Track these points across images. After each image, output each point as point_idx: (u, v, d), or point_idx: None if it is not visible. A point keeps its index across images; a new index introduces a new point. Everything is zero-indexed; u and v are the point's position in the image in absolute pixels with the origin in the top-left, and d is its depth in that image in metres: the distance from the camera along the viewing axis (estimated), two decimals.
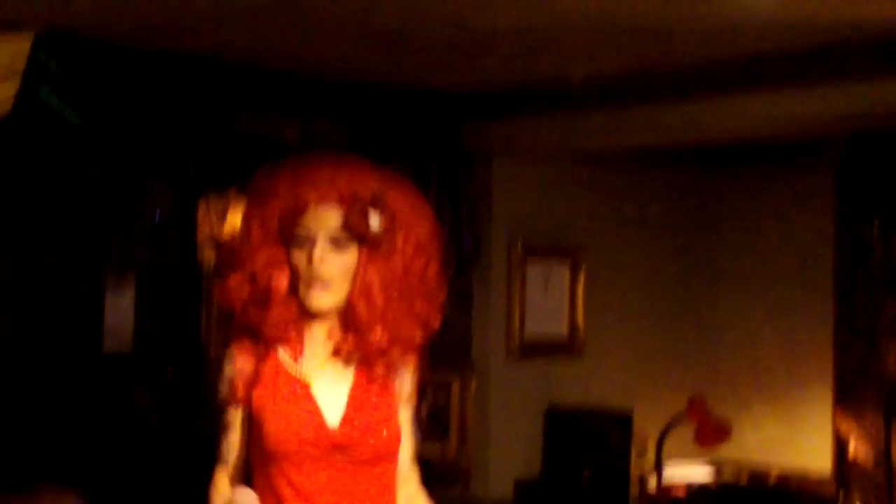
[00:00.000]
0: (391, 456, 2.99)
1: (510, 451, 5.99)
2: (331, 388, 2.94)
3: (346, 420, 2.91)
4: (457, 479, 6.03)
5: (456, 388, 5.97)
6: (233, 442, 2.95)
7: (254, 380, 2.93)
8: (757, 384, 6.73)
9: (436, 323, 3.03)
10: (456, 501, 5.91)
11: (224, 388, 2.94)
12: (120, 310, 5.61)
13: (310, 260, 2.92)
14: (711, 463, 6.51)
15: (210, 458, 3.05)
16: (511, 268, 6.04)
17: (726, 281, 6.89)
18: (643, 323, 6.63)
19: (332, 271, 2.92)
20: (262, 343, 2.94)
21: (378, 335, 2.93)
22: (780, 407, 6.61)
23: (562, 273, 6.19)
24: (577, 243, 6.28)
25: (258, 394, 2.92)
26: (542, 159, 6.13)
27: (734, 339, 6.86)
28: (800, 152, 6.34)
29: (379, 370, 2.96)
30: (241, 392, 2.92)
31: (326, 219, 2.92)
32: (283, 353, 2.95)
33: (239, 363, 2.94)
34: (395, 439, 2.99)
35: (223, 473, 2.96)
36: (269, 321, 2.93)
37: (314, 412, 2.90)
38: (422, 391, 3.13)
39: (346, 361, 2.96)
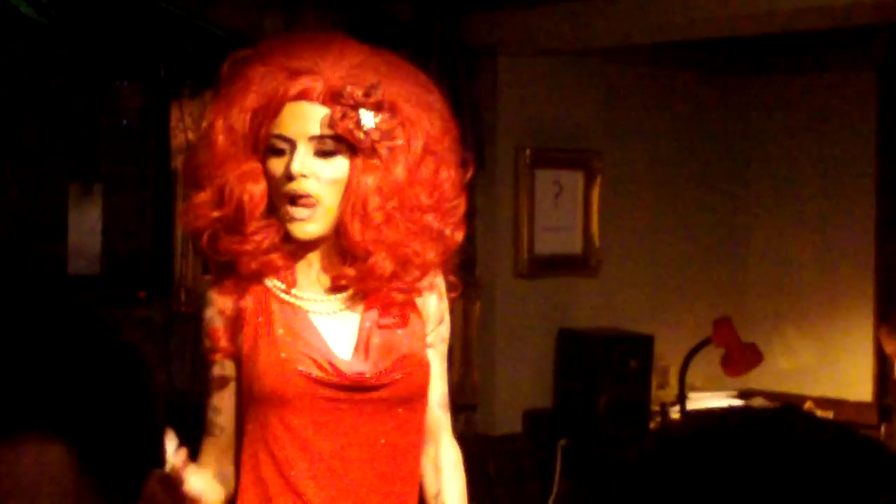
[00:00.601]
0: (416, 396, 2.65)
1: (519, 379, 5.82)
2: (337, 318, 2.60)
3: (359, 351, 2.59)
4: (460, 411, 5.66)
5: (458, 311, 5.75)
6: (222, 406, 2.54)
7: (239, 322, 2.52)
8: (790, 306, 6.56)
9: (457, 237, 2.64)
10: (460, 436, 5.64)
11: (205, 340, 2.52)
12: (86, 227, 5.41)
13: (288, 172, 2.51)
14: (740, 393, 6.38)
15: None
16: (518, 177, 5.85)
17: (757, 192, 6.72)
18: (665, 238, 6.48)
19: (317, 186, 2.53)
20: (243, 278, 2.51)
21: (381, 262, 2.53)
22: (816, 331, 6.46)
23: (575, 183, 6.02)
24: (592, 149, 6.07)
25: (247, 334, 2.51)
26: (553, 55, 5.90)
27: (765, 256, 6.71)
28: (839, 48, 6.18)
29: (396, 297, 2.58)
30: (224, 341, 2.52)
31: (308, 118, 2.55)
32: (271, 283, 2.55)
33: (219, 305, 2.52)
34: (421, 376, 2.62)
35: (210, 449, 2.54)
36: (246, 250, 2.52)
37: (319, 344, 2.55)
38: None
39: (353, 293, 2.58)
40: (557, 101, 5.95)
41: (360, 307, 2.62)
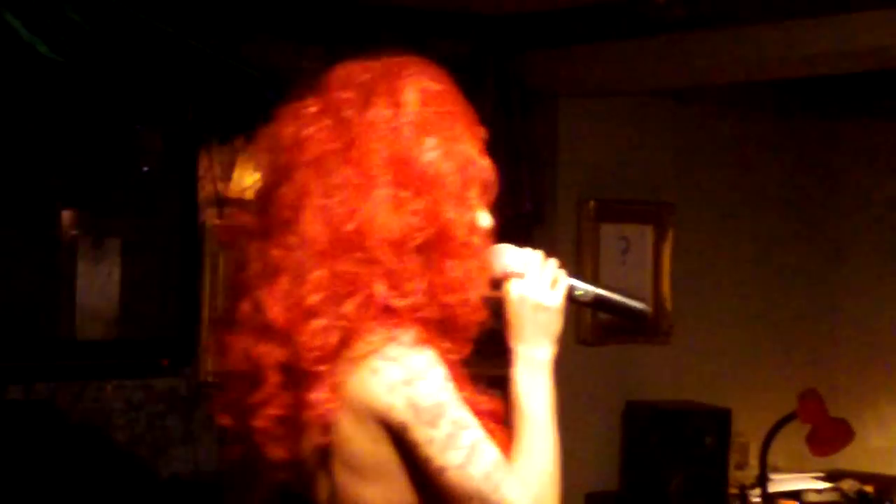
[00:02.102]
0: None
1: (581, 457, 5.59)
2: None
3: None
4: None
5: None
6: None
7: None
8: (884, 378, 6.46)
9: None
10: None
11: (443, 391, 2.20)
12: (97, 287, 5.25)
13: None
14: (828, 475, 6.20)
15: None
16: (581, 231, 5.85)
17: (846, 251, 6.63)
18: (744, 301, 6.36)
19: None
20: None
21: None
22: None
23: (644, 238, 6.02)
24: (663, 201, 6.06)
25: None
26: (619, 96, 5.88)
27: (856, 324, 6.60)
28: None
29: None
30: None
31: None
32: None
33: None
34: None
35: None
36: None
37: None
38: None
39: None
40: (624, 147, 5.94)
41: None
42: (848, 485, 6.10)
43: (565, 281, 2.39)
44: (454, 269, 2.22)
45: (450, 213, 2.22)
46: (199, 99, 5.16)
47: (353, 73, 2.30)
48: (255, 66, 5.05)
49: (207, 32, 5.08)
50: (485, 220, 2.32)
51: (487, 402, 2.25)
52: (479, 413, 2.19)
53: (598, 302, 2.46)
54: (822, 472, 6.16)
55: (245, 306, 2.19)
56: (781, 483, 5.93)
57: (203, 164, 5.29)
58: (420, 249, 2.19)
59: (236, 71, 5.05)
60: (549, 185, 5.64)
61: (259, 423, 2.17)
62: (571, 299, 2.42)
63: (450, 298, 2.21)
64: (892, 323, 6.46)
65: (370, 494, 2.17)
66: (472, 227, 2.27)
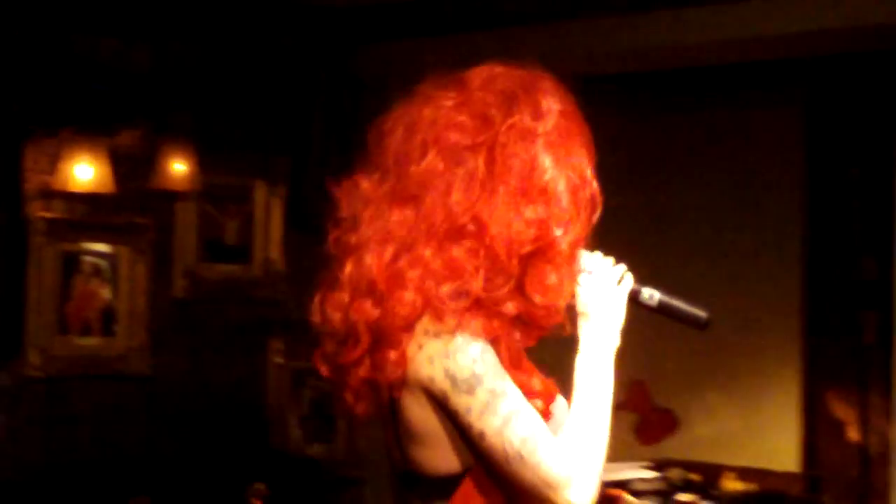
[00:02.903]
0: None
1: None
2: None
3: None
4: (346, 486, 5.75)
5: None
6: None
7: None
8: (711, 369, 6.52)
9: None
10: None
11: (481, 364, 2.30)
12: None
13: None
14: (655, 463, 6.18)
15: None
16: None
17: (674, 241, 6.60)
18: None
19: None
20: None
21: None
22: (740, 396, 6.38)
23: None
24: None
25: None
26: None
27: None
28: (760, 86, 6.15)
29: None
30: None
31: None
32: None
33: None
34: None
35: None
36: None
37: None
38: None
39: None
40: None
41: None
42: (674, 473, 6.12)
43: (630, 281, 2.49)
44: (550, 277, 2.33)
45: (560, 229, 2.33)
46: (24, 91, 5.13)
47: (496, 77, 2.41)
48: (87, 59, 5.16)
49: (35, 25, 5.09)
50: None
51: (541, 383, 2.35)
52: (529, 394, 2.28)
53: (662, 307, 2.54)
54: (649, 460, 6.16)
55: (350, 266, 2.30)
56: (608, 472, 5.66)
57: (28, 156, 5.25)
58: (525, 256, 2.30)
59: (64, 64, 5.11)
60: None
61: (350, 381, 2.31)
62: (637, 303, 2.51)
63: (539, 301, 2.31)
64: (718, 315, 6.39)
65: (423, 457, 2.29)
66: (574, 245, 2.37)
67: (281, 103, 5.66)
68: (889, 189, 4.86)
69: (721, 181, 6.46)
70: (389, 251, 2.29)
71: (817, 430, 5.98)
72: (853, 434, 5.75)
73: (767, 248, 6.31)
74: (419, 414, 2.30)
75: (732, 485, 5.95)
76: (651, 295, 2.51)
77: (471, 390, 2.23)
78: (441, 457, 2.29)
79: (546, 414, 2.33)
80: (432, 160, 2.33)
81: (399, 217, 2.31)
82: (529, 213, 2.31)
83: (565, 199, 2.36)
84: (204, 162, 5.40)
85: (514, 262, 2.29)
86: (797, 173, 6.14)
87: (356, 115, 5.53)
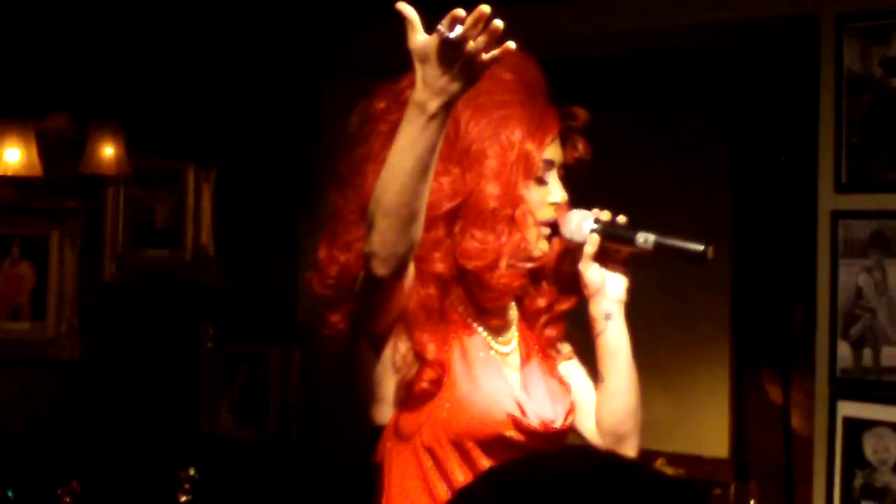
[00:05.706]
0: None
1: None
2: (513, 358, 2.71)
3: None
4: (277, 469, 5.69)
5: (275, 361, 5.78)
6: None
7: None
8: (640, 355, 6.14)
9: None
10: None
11: None
12: None
13: (553, 200, 2.76)
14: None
15: None
16: None
17: None
18: None
19: None
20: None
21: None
22: (669, 382, 6.22)
23: None
24: None
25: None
26: (383, 78, 5.69)
27: None
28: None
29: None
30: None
31: (557, 145, 2.71)
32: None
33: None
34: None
35: None
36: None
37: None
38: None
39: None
40: None
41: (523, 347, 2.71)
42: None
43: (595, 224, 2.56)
44: (474, 237, 2.46)
45: (482, 186, 2.45)
46: None
47: None
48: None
49: None
50: (556, 195, 2.56)
51: (435, 353, 2.47)
52: (418, 356, 2.46)
53: (659, 248, 2.56)
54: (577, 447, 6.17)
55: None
56: None
57: None
58: (447, 216, 2.44)
59: None
60: (311, 163, 5.58)
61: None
62: (634, 249, 2.57)
63: (469, 265, 2.45)
64: (647, 300, 6.33)
65: None
66: (504, 201, 2.47)
67: (215, 87, 5.60)
68: (814, 180, 4.90)
69: (651, 171, 6.36)
70: (338, 228, 2.55)
71: (746, 417, 5.95)
72: (781, 420, 5.70)
73: (697, 236, 6.19)
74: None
75: (663, 470, 6.01)
76: (646, 239, 2.55)
77: None
78: None
79: (417, 383, 2.45)
80: (372, 145, 2.52)
81: (342, 196, 2.57)
82: (448, 176, 2.44)
83: (493, 162, 2.47)
84: (134, 146, 5.34)
85: (438, 222, 2.43)
86: (725, 162, 6.08)
87: (290, 101, 5.54)
